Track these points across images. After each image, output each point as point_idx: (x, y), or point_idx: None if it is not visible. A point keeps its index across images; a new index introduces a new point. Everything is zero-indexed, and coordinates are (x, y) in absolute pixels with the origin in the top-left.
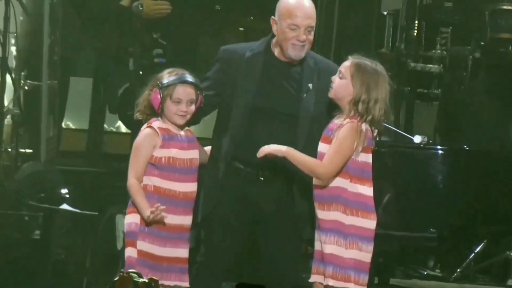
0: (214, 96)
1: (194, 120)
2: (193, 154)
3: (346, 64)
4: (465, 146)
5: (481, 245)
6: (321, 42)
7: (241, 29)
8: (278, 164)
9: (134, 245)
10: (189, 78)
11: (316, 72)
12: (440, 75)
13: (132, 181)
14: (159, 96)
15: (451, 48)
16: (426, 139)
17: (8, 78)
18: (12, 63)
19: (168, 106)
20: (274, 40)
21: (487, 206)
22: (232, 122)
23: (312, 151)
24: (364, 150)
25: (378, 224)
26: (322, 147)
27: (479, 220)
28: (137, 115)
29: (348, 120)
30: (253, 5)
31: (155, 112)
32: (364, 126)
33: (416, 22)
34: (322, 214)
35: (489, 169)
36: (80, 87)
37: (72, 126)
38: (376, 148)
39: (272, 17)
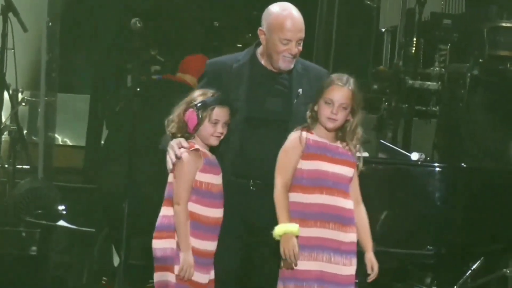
0: None
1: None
2: (221, 178)
3: (348, 94)
4: (463, 164)
5: (478, 262)
6: (320, 58)
7: (239, 45)
8: (270, 175)
9: (169, 269)
10: (226, 99)
11: (305, 77)
12: (438, 92)
13: (182, 208)
14: (196, 117)
15: (449, 65)
16: (424, 156)
17: (5, 94)
18: (10, 79)
19: (206, 127)
20: (260, 50)
21: (485, 223)
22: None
23: None
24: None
25: (376, 241)
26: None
27: (477, 238)
28: (172, 129)
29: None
30: (251, 22)
31: (186, 130)
32: (304, 134)
33: (415, 39)
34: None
35: (487, 187)
36: (77, 104)
37: (69, 142)
38: (373, 165)
39: (260, 28)
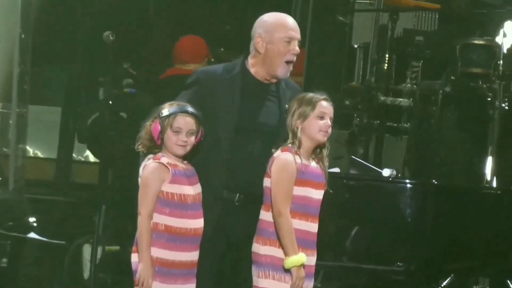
0: None
1: (193, 152)
2: (199, 188)
3: (330, 107)
4: (434, 181)
5: (448, 279)
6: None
7: (212, 60)
8: (255, 188)
9: None
10: (190, 108)
11: (288, 92)
12: (410, 109)
13: (143, 219)
14: (159, 126)
15: (421, 82)
16: (395, 172)
17: None
18: None
19: (168, 136)
20: (250, 60)
21: (455, 240)
22: (216, 144)
23: None
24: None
25: (346, 257)
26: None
27: (447, 255)
28: (139, 147)
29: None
30: (223, 37)
31: (156, 144)
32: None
33: (387, 55)
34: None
35: (458, 204)
36: (49, 116)
37: (40, 155)
38: (344, 180)
39: (257, 36)
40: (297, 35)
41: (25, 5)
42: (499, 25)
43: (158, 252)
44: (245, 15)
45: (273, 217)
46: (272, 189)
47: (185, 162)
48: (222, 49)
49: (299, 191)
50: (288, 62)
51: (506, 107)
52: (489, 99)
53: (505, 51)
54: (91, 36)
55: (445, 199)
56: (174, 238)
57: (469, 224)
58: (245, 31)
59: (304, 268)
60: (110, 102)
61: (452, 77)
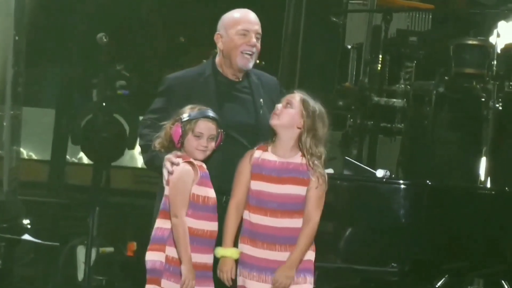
0: None
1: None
2: (214, 191)
3: (296, 97)
4: (428, 181)
5: (443, 280)
6: (285, 74)
7: (205, 61)
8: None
9: (157, 282)
10: (211, 113)
11: (261, 86)
12: (404, 109)
13: (182, 220)
14: (180, 130)
15: (415, 82)
16: (388, 173)
17: None
18: None
19: (189, 140)
20: (218, 60)
21: (449, 241)
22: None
23: None
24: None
25: (340, 258)
26: (299, 190)
27: (441, 255)
28: (157, 146)
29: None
30: None
31: (173, 146)
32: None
33: (380, 56)
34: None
35: (452, 205)
36: (42, 118)
37: (34, 156)
38: (338, 181)
39: (217, 33)
40: (254, 27)
41: (18, 7)
42: (493, 25)
43: (175, 252)
44: None
45: None
46: None
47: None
48: (216, 51)
49: (253, 185)
50: (245, 53)
51: (500, 108)
52: (483, 99)
53: (498, 51)
54: (84, 38)
55: (439, 199)
56: (193, 239)
57: (464, 225)
58: None
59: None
60: (104, 104)
61: (446, 78)
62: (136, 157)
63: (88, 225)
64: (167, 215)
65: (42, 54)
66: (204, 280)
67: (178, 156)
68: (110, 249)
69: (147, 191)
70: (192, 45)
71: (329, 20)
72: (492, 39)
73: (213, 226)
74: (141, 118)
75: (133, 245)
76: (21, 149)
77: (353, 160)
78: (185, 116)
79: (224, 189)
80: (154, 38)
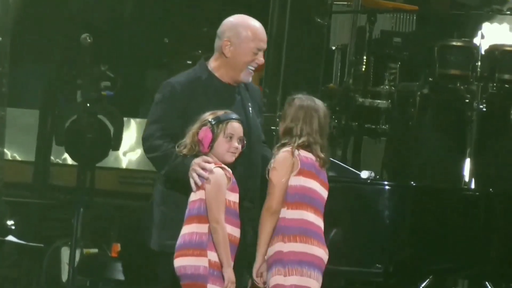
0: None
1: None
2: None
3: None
4: (412, 182)
5: (427, 281)
6: (270, 75)
7: (189, 62)
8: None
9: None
10: (237, 115)
11: (246, 91)
12: (388, 110)
13: (221, 226)
14: (211, 133)
15: (399, 83)
16: (373, 174)
17: None
18: None
19: (220, 143)
20: (213, 63)
21: (433, 242)
22: None
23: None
24: (299, 173)
25: None
26: None
27: (425, 257)
28: (184, 151)
29: (278, 151)
30: (200, 39)
31: (199, 151)
32: (296, 152)
33: (365, 57)
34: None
35: (436, 206)
36: (26, 119)
37: (18, 157)
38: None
39: (225, 39)
40: (265, 45)
41: (2, 9)
42: (477, 26)
43: (216, 256)
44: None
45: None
46: None
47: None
48: (200, 51)
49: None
50: (250, 68)
51: (484, 109)
52: (467, 100)
53: (483, 52)
54: (69, 39)
55: (424, 200)
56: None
57: (448, 226)
58: None
59: None
60: (88, 105)
61: (430, 79)
62: (121, 158)
63: (72, 226)
64: (203, 220)
65: (27, 55)
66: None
67: (207, 161)
68: (94, 250)
69: (131, 192)
70: (176, 45)
71: (314, 21)
72: (476, 40)
73: (237, 232)
74: (125, 119)
75: (117, 246)
76: (5, 150)
77: (337, 161)
78: (213, 119)
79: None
80: (138, 39)
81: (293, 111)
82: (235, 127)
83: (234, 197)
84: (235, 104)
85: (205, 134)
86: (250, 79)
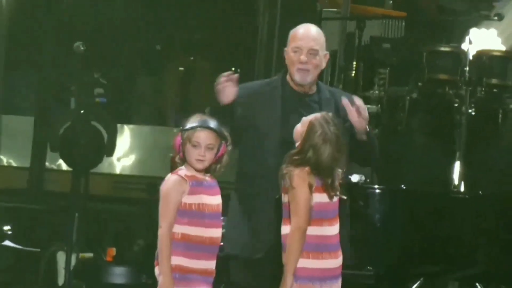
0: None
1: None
2: (219, 199)
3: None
4: (402, 186)
5: (417, 283)
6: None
7: (181, 68)
8: None
9: None
10: (211, 124)
11: (333, 102)
12: (378, 115)
13: (164, 231)
14: (180, 139)
15: (388, 88)
16: (364, 178)
17: None
18: None
19: (188, 149)
20: (288, 75)
21: (423, 245)
22: (263, 157)
23: None
24: (314, 191)
25: None
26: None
27: (416, 259)
28: (177, 160)
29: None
30: (193, 46)
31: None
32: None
33: (354, 62)
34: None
35: (426, 209)
36: (21, 126)
37: (13, 164)
38: None
39: (285, 48)
40: (306, 44)
41: None
42: (465, 32)
43: (175, 260)
44: (214, 25)
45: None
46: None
47: (208, 175)
48: (192, 58)
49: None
50: (300, 70)
51: (473, 113)
52: (456, 105)
53: (471, 57)
54: (62, 46)
55: (414, 204)
56: (190, 246)
57: (438, 228)
58: (214, 40)
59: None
60: (82, 111)
61: (419, 84)
62: (115, 164)
63: (67, 230)
64: None
65: (21, 63)
66: (204, 285)
67: (180, 169)
68: (89, 255)
69: (125, 197)
70: (168, 52)
71: None
72: (464, 45)
73: (212, 232)
74: (118, 125)
75: (112, 251)
76: (1, 156)
77: None
78: (185, 126)
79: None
80: (130, 46)
81: (311, 137)
82: (201, 136)
83: (199, 199)
84: (303, 112)
85: (177, 139)
86: (308, 78)
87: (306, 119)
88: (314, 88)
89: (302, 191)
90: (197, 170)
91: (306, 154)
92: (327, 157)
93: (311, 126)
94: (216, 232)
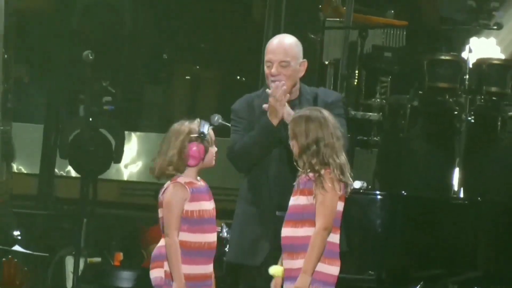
0: None
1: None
2: (213, 203)
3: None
4: (403, 192)
5: (418, 286)
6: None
7: (188, 77)
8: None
9: None
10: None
11: (312, 103)
12: (380, 122)
13: (172, 240)
14: (203, 147)
15: (390, 96)
16: (365, 184)
17: None
18: None
19: (209, 152)
20: None
21: (424, 249)
22: (261, 166)
23: None
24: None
25: None
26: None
27: (416, 263)
28: (169, 169)
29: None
30: (199, 55)
31: (186, 166)
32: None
33: (357, 71)
34: (289, 263)
35: (426, 214)
36: (31, 134)
37: (24, 170)
38: None
39: None
40: (275, 57)
41: (7, 26)
42: (465, 41)
43: None
44: (221, 34)
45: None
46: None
47: (199, 178)
48: (198, 67)
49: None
50: (273, 82)
51: (472, 120)
52: (455, 112)
53: (470, 66)
54: (71, 55)
55: (414, 209)
56: (189, 252)
57: (438, 233)
58: (221, 49)
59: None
60: (90, 119)
61: (420, 92)
62: (122, 170)
63: (76, 236)
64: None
65: (30, 71)
66: None
67: (178, 176)
68: (97, 259)
69: (132, 203)
70: (174, 61)
71: (307, 36)
72: (464, 54)
73: (210, 237)
74: (126, 132)
75: (119, 255)
76: (11, 163)
77: None
78: (201, 133)
79: (281, 205)
80: (138, 55)
81: (303, 127)
82: (211, 133)
83: (198, 206)
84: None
85: (199, 148)
86: (277, 90)
87: (293, 116)
88: (297, 93)
89: (334, 194)
90: (210, 167)
91: (310, 146)
92: (332, 135)
93: (297, 119)
94: (213, 237)
